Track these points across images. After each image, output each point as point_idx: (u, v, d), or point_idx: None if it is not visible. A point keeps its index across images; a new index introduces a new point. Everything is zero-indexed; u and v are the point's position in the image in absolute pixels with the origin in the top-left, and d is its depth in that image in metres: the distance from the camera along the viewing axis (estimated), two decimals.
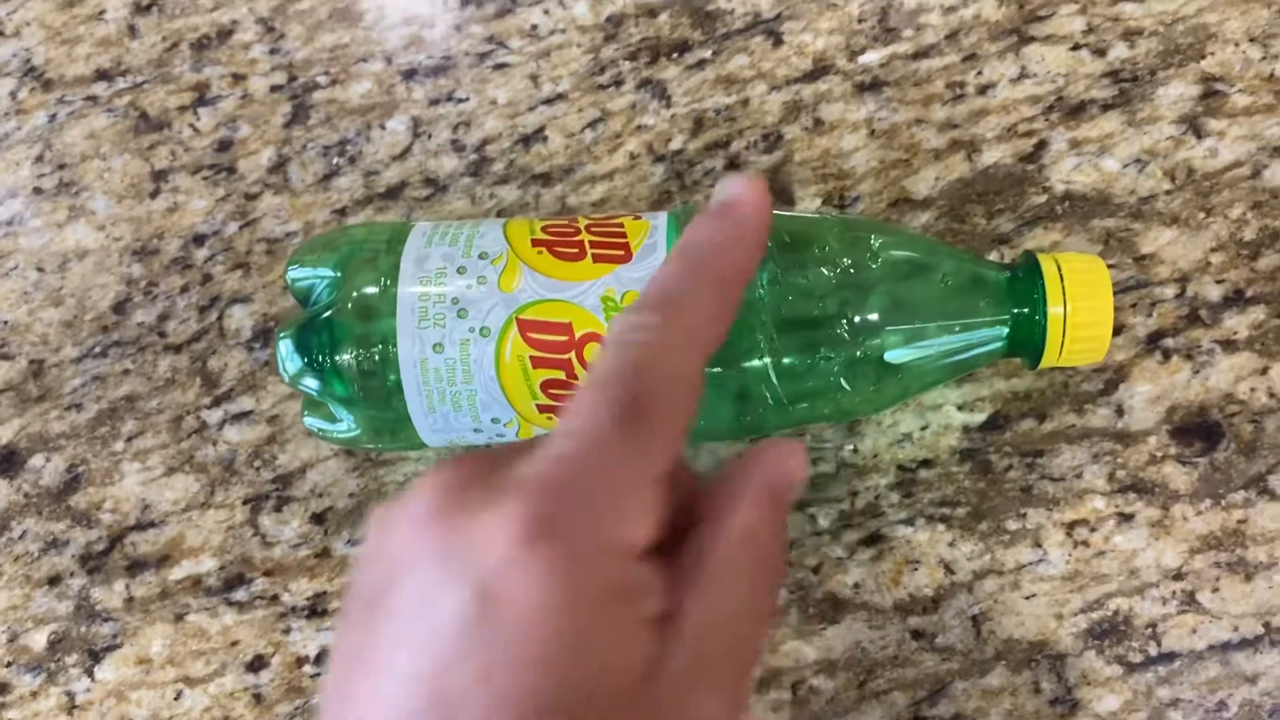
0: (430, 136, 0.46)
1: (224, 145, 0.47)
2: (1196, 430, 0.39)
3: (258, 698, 0.40)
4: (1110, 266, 0.41)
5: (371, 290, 0.35)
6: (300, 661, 0.40)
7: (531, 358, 0.34)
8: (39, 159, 0.47)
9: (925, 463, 0.40)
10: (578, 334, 0.34)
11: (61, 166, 0.47)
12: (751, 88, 0.45)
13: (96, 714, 0.41)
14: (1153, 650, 0.38)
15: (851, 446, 0.41)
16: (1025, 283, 0.35)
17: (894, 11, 0.45)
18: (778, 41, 0.45)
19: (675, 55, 0.46)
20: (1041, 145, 0.43)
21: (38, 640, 0.42)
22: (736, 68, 0.45)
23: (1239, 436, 0.39)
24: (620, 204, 0.44)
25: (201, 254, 0.45)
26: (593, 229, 0.35)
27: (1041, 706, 0.37)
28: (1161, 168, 0.42)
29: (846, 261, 0.35)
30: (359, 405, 0.36)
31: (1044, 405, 0.40)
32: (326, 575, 0.41)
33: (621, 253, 0.34)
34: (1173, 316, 0.41)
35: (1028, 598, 0.38)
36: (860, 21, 0.45)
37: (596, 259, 0.34)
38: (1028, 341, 0.35)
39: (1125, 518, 0.39)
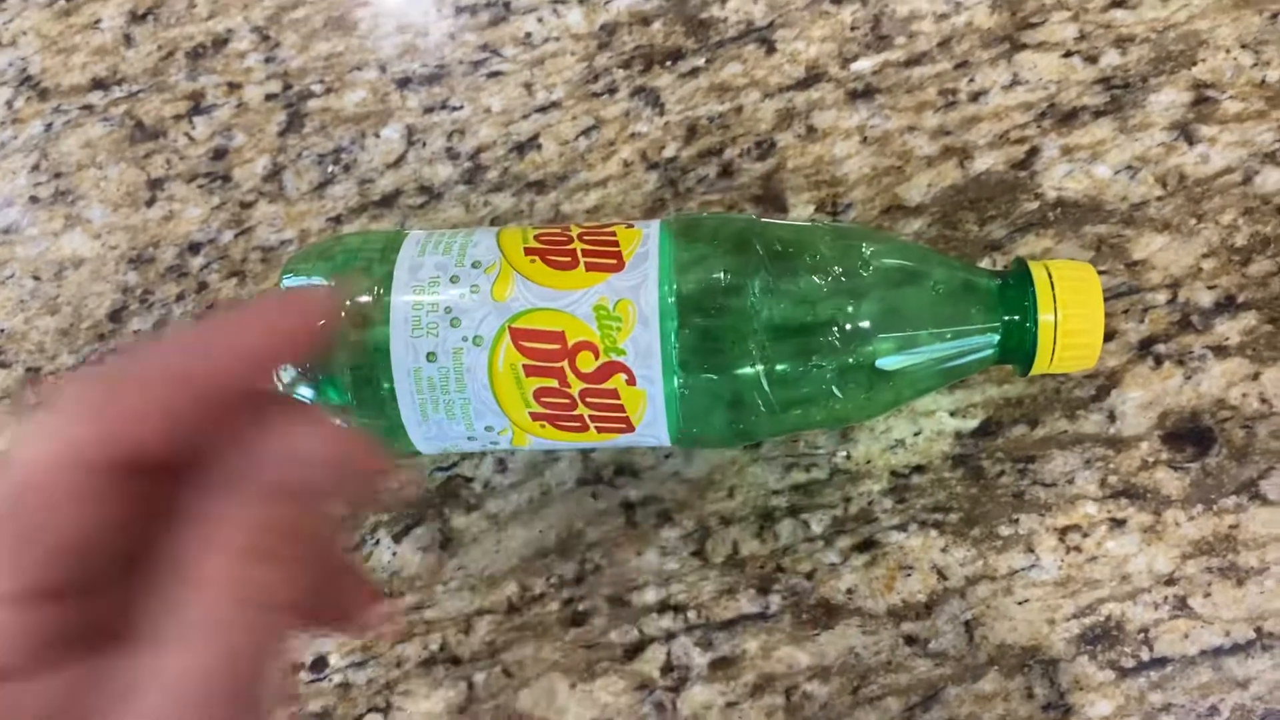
0: (425, 144, 0.46)
1: (219, 154, 0.47)
2: (1188, 436, 0.40)
3: None
4: (1102, 273, 0.41)
5: (365, 299, 0.35)
6: (296, 668, 0.41)
7: (524, 366, 0.34)
8: (35, 168, 0.48)
9: (918, 468, 0.40)
10: (570, 342, 0.34)
11: (57, 175, 0.47)
12: (744, 95, 0.45)
13: None
14: (1145, 655, 0.38)
15: (844, 453, 0.41)
16: (1016, 290, 0.35)
17: (886, 19, 0.45)
18: (770, 49, 0.46)
19: (669, 63, 0.46)
20: (1033, 152, 0.43)
21: None
22: (729, 75, 0.46)
23: (1231, 442, 0.39)
24: (614, 211, 0.44)
25: (197, 262, 0.46)
26: (585, 237, 0.36)
27: (1034, 712, 0.38)
28: (1153, 174, 0.42)
29: (838, 269, 0.35)
30: (353, 413, 0.36)
31: (1036, 411, 0.40)
32: None
33: (614, 261, 0.35)
34: (1164, 322, 0.41)
35: (1020, 603, 0.39)
36: (853, 29, 0.45)
37: (589, 267, 0.35)
38: (1019, 348, 0.35)
39: (1117, 523, 0.39)
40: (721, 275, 0.35)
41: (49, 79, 0.49)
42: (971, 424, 0.41)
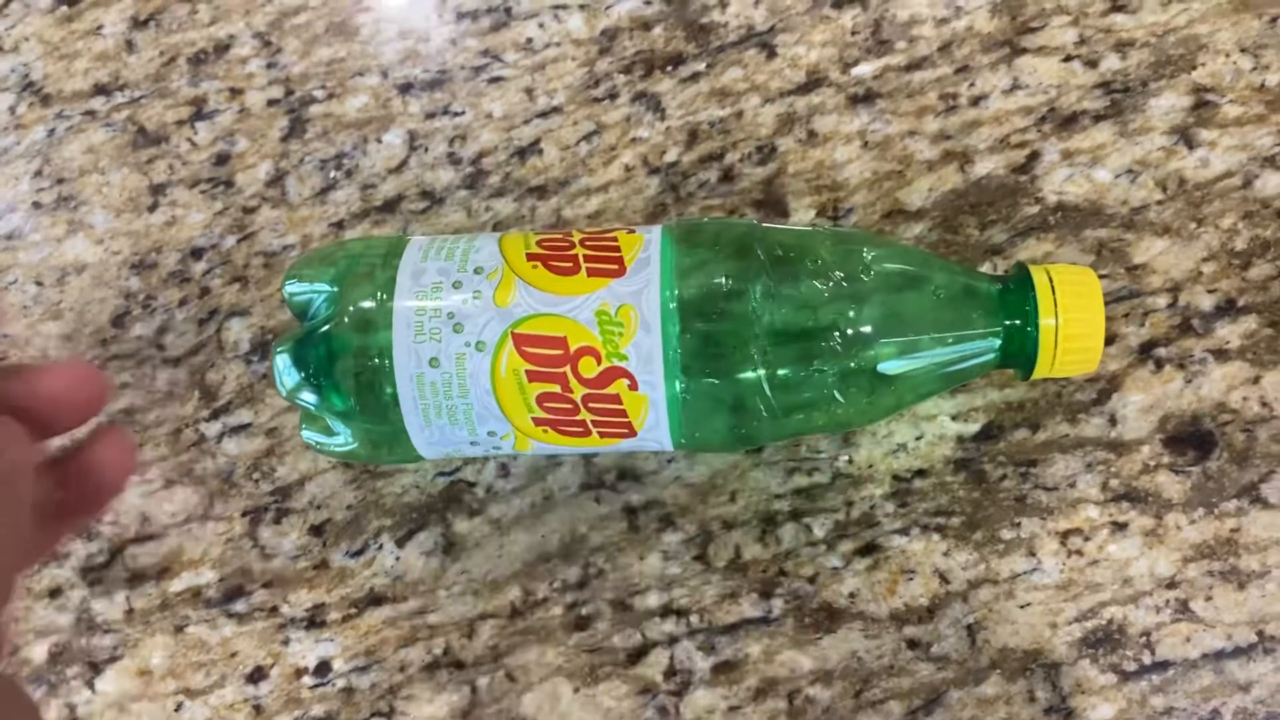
0: (426, 150, 0.46)
1: (221, 159, 0.47)
2: (1189, 439, 0.40)
3: (257, 709, 0.40)
4: (1102, 277, 0.41)
5: (368, 304, 0.35)
6: (299, 672, 0.41)
7: (527, 371, 0.34)
8: (38, 174, 0.48)
9: (920, 473, 0.40)
10: (572, 348, 0.34)
11: (60, 181, 0.48)
12: (745, 100, 0.45)
13: None
14: (1147, 659, 0.38)
15: (846, 457, 0.41)
16: (1017, 294, 0.35)
17: (887, 24, 0.46)
18: (771, 54, 0.46)
19: (669, 68, 0.46)
20: (1034, 156, 0.43)
21: (38, 652, 0.42)
22: (730, 80, 0.46)
23: (1232, 445, 0.39)
24: (615, 216, 0.44)
25: (199, 267, 0.46)
26: (587, 243, 0.36)
27: (1036, 715, 0.38)
28: (1153, 178, 0.42)
29: (840, 274, 0.35)
30: (356, 419, 0.36)
31: (1037, 415, 0.40)
32: (325, 587, 0.41)
33: (616, 266, 0.35)
34: (1165, 326, 0.41)
35: (1022, 607, 0.39)
36: (853, 34, 0.46)
37: (591, 273, 0.35)
38: (1020, 353, 0.35)
39: (1119, 527, 0.39)
40: (723, 280, 0.35)
41: (51, 85, 0.49)
42: (973, 428, 0.41)
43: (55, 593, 0.42)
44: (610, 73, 0.46)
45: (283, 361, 0.36)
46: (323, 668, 0.41)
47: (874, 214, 0.43)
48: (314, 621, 0.41)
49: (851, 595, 0.39)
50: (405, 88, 0.47)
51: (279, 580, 0.42)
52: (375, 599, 0.41)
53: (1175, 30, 0.44)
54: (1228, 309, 0.41)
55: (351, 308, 0.36)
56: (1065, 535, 0.39)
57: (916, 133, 0.44)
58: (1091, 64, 0.44)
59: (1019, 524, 0.39)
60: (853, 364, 0.35)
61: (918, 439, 0.41)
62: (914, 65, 0.45)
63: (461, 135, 0.46)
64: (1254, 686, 0.37)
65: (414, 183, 0.46)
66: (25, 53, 0.50)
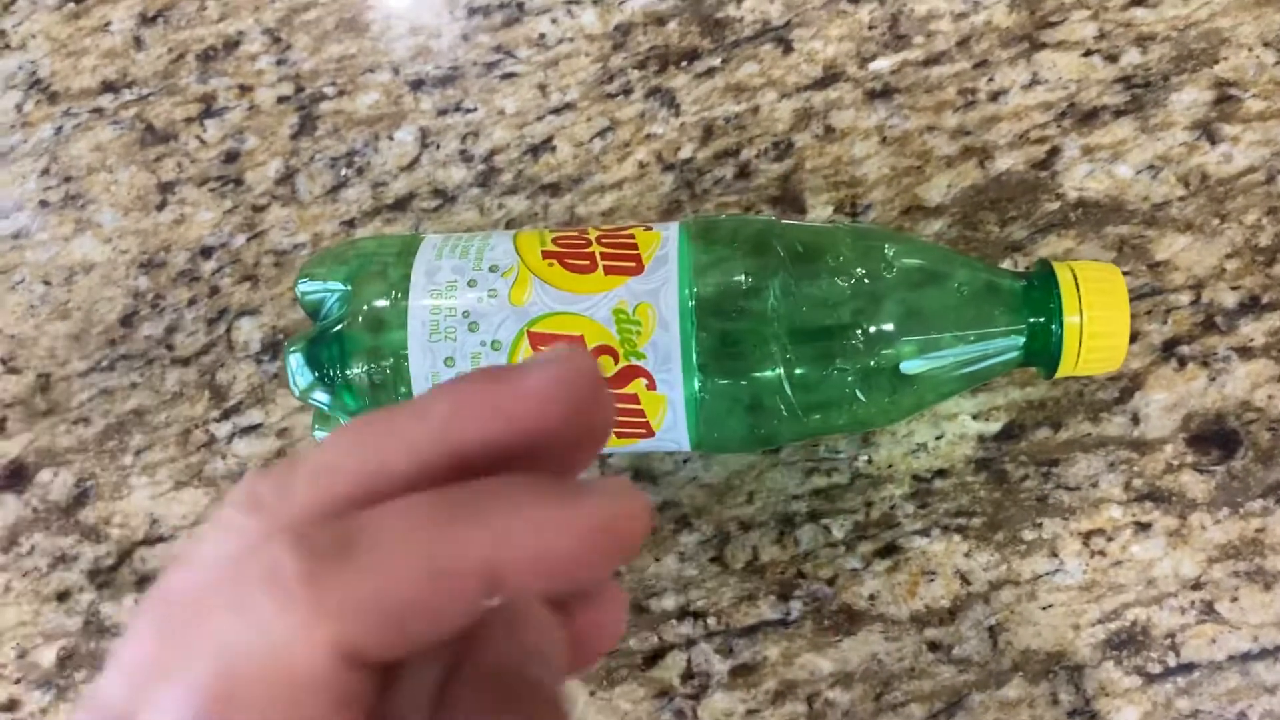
0: (438, 147, 0.46)
1: (231, 157, 0.47)
2: (1213, 438, 0.39)
3: None
4: (1124, 274, 0.41)
5: (382, 303, 0.35)
6: None
7: None
8: (45, 172, 0.47)
9: (940, 473, 0.40)
10: (590, 347, 0.33)
11: (68, 179, 0.47)
12: (761, 95, 0.45)
13: None
14: (1171, 661, 0.37)
15: (866, 457, 0.40)
16: (1041, 292, 0.35)
17: (904, 18, 0.45)
18: (787, 49, 0.45)
19: (684, 63, 0.46)
20: (1054, 152, 0.43)
21: (47, 656, 0.41)
22: (746, 75, 0.45)
23: (1256, 444, 0.39)
24: (629, 214, 0.44)
25: (209, 266, 0.45)
26: (603, 240, 0.35)
27: (1060, 718, 0.37)
28: (1175, 174, 0.42)
29: (860, 271, 0.35)
30: None
31: (1059, 414, 0.40)
32: None
33: (633, 264, 0.34)
34: (1188, 324, 0.40)
35: (1045, 608, 0.38)
36: (871, 28, 0.45)
37: (608, 271, 0.34)
38: (1044, 351, 0.35)
39: (1142, 527, 0.38)
40: (742, 278, 0.34)
41: (59, 82, 0.49)
42: (994, 427, 0.40)
43: (64, 596, 0.42)
44: (624, 68, 0.46)
45: (296, 361, 0.36)
46: None
47: (892, 210, 0.43)
48: None
49: (871, 597, 0.39)
50: (417, 84, 0.47)
51: None
52: None
53: (1197, 24, 0.44)
54: (1251, 306, 0.40)
55: (365, 306, 0.35)
56: (1088, 536, 0.39)
57: (935, 128, 0.43)
58: (1112, 58, 0.44)
59: (1041, 524, 0.39)
60: (874, 362, 0.34)
61: (938, 438, 0.40)
62: (932, 60, 0.44)
63: (474, 132, 0.46)
64: None
65: (426, 180, 0.45)
66: (33, 50, 0.49)
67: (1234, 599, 0.38)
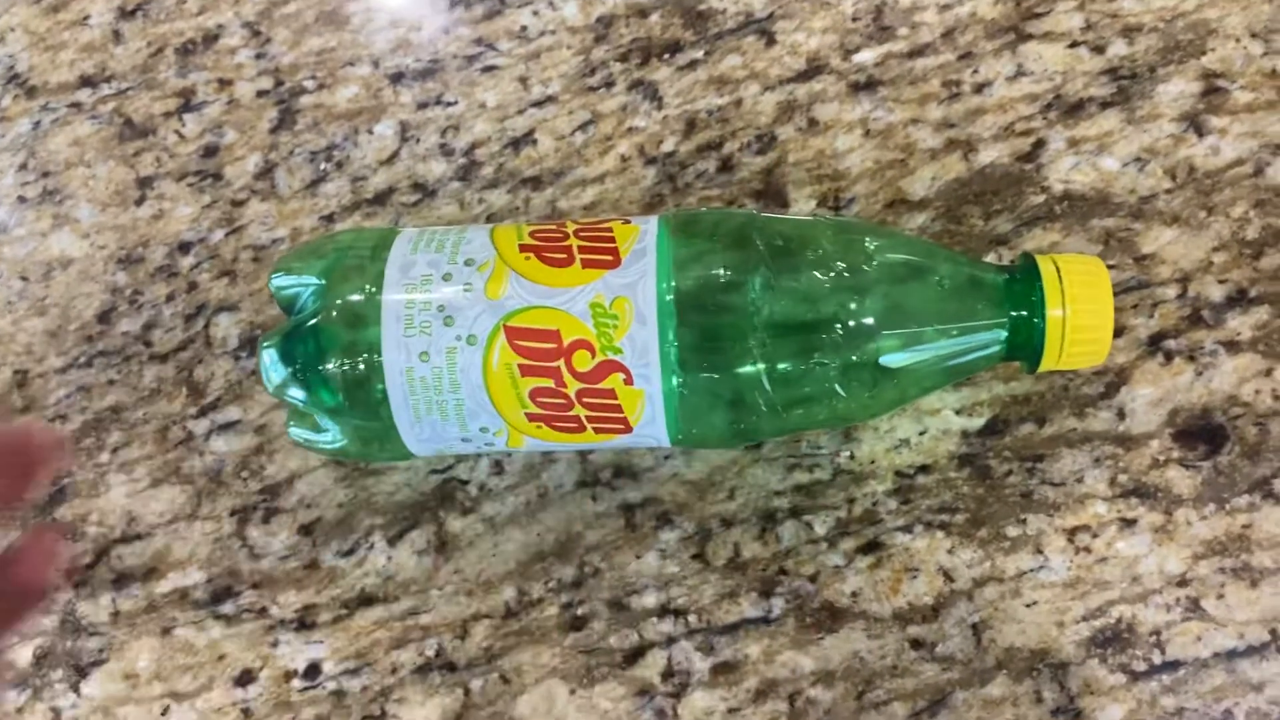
0: (418, 141, 0.45)
1: (210, 151, 0.46)
2: (1200, 433, 0.39)
3: (246, 712, 0.39)
4: (1110, 267, 0.40)
5: (356, 298, 0.34)
6: (289, 675, 0.40)
7: (520, 366, 0.33)
8: (23, 167, 0.47)
9: (923, 468, 0.39)
10: (566, 341, 0.33)
11: (46, 174, 0.47)
12: (744, 88, 0.44)
13: None
14: (1157, 658, 0.37)
15: (848, 453, 0.40)
16: (1024, 285, 0.34)
17: (888, 9, 0.45)
18: (770, 41, 0.45)
19: (667, 56, 0.45)
20: (1039, 144, 0.42)
21: (23, 656, 0.41)
22: (729, 68, 0.45)
23: (1243, 439, 0.39)
24: (611, 207, 0.43)
25: (187, 262, 0.45)
26: (581, 234, 0.35)
27: (1044, 716, 0.37)
28: (1162, 166, 0.41)
29: (841, 264, 0.34)
30: (345, 415, 0.35)
31: (1044, 409, 0.40)
32: (315, 587, 0.40)
33: (610, 258, 0.34)
34: (1174, 317, 0.40)
35: (1029, 605, 0.38)
36: (854, 20, 0.45)
37: (585, 264, 0.34)
38: (1026, 345, 0.35)
39: (1128, 523, 0.38)
40: (721, 272, 0.34)
41: (37, 76, 0.48)
42: (978, 422, 0.40)
43: None
44: (606, 61, 0.45)
45: (269, 357, 0.35)
46: (312, 670, 0.40)
47: (876, 204, 0.42)
48: (303, 623, 0.40)
49: (854, 594, 0.38)
50: (397, 77, 0.46)
51: (268, 581, 0.41)
52: (366, 599, 0.40)
53: (1184, 15, 0.43)
54: (1239, 299, 0.40)
55: (339, 301, 0.35)
56: (1073, 532, 0.38)
57: (919, 121, 0.43)
58: (1098, 50, 0.43)
59: (1025, 520, 0.38)
60: (854, 357, 0.34)
61: (921, 434, 0.40)
62: (916, 52, 0.44)
63: (454, 126, 0.45)
64: (1267, 686, 0.36)
65: (406, 174, 0.45)
66: (10, 43, 0.49)
67: (1220, 596, 0.37)
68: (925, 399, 0.40)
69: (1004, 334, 0.34)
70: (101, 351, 0.44)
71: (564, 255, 0.34)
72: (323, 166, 0.45)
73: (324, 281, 0.35)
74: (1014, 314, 0.34)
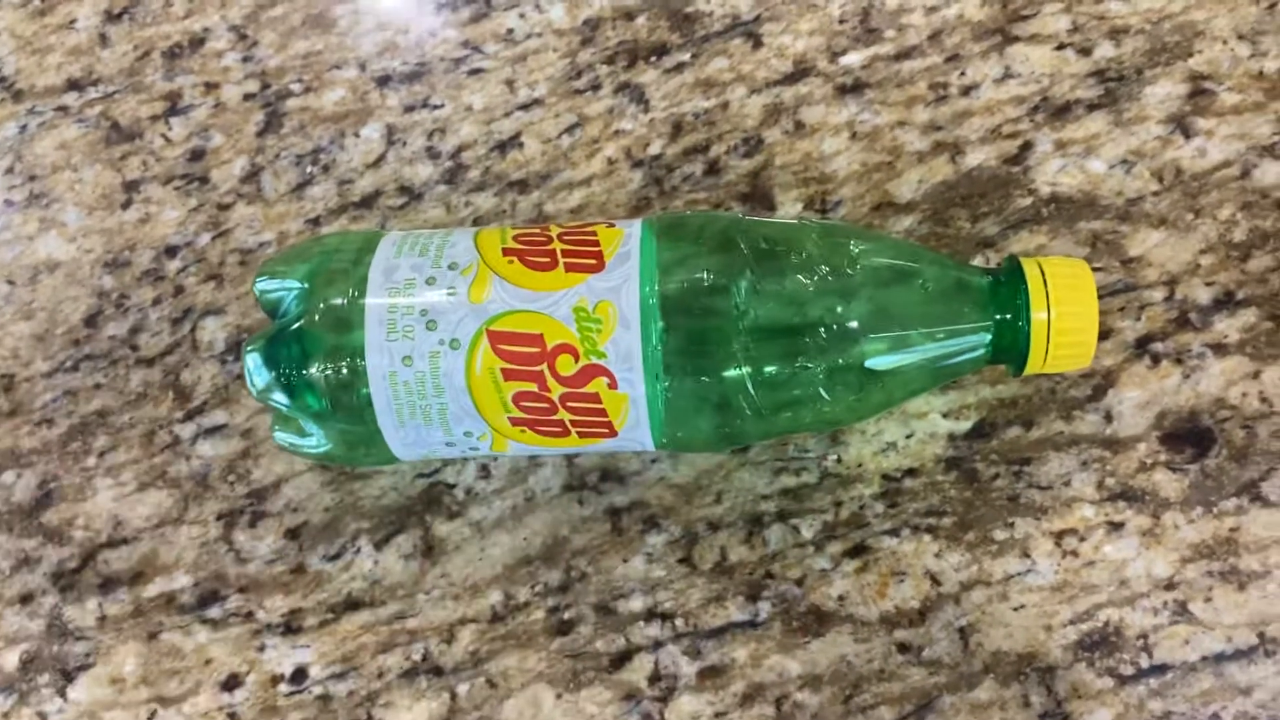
0: (405, 144, 0.45)
1: (196, 155, 0.46)
2: (1187, 436, 0.39)
3: (232, 717, 0.39)
4: (1097, 269, 0.40)
5: (339, 301, 0.34)
6: (275, 680, 0.40)
7: (503, 370, 0.33)
8: (9, 170, 0.47)
9: (910, 472, 0.39)
10: (549, 345, 0.33)
11: (32, 178, 0.47)
12: (731, 91, 0.44)
13: None
14: (1144, 662, 0.37)
15: (835, 456, 0.40)
16: (1008, 288, 0.34)
17: (875, 12, 0.44)
18: (757, 44, 0.45)
19: (653, 58, 0.45)
20: (1026, 147, 0.42)
21: (9, 660, 0.41)
22: (715, 71, 0.45)
23: (1231, 442, 0.38)
24: (598, 210, 0.43)
25: (174, 265, 0.45)
26: (565, 237, 0.35)
27: None
28: (1149, 168, 0.41)
29: (826, 268, 0.34)
30: (330, 419, 0.35)
31: (1031, 412, 0.39)
32: (301, 591, 0.40)
33: (594, 261, 0.34)
34: (1162, 320, 0.40)
35: (1016, 609, 0.38)
36: (841, 22, 0.45)
37: (568, 268, 0.34)
38: (1012, 348, 0.34)
39: (1115, 526, 0.38)
40: (705, 275, 0.34)
41: (23, 80, 0.48)
42: (965, 426, 0.40)
43: (26, 599, 0.41)
44: (593, 64, 0.45)
45: (253, 361, 0.35)
46: (299, 675, 0.40)
47: (863, 206, 0.42)
48: (290, 627, 0.40)
49: (841, 598, 0.38)
50: (383, 80, 0.46)
51: (254, 585, 0.41)
52: (352, 604, 0.40)
53: (1171, 16, 0.43)
54: (1226, 302, 0.40)
55: (322, 305, 0.35)
56: (1060, 535, 0.38)
57: (906, 123, 0.43)
58: (1085, 52, 0.43)
59: (1012, 524, 0.38)
60: (840, 360, 0.34)
61: (908, 437, 0.40)
62: (903, 54, 0.44)
63: (441, 129, 0.45)
64: (1255, 690, 0.36)
65: (392, 178, 0.45)
66: None
67: (1208, 599, 0.37)
68: (912, 402, 0.40)
69: (989, 337, 0.34)
70: (88, 355, 0.44)
71: (547, 259, 0.34)
72: (309, 170, 0.45)
73: (308, 285, 0.35)
74: (999, 317, 0.34)
